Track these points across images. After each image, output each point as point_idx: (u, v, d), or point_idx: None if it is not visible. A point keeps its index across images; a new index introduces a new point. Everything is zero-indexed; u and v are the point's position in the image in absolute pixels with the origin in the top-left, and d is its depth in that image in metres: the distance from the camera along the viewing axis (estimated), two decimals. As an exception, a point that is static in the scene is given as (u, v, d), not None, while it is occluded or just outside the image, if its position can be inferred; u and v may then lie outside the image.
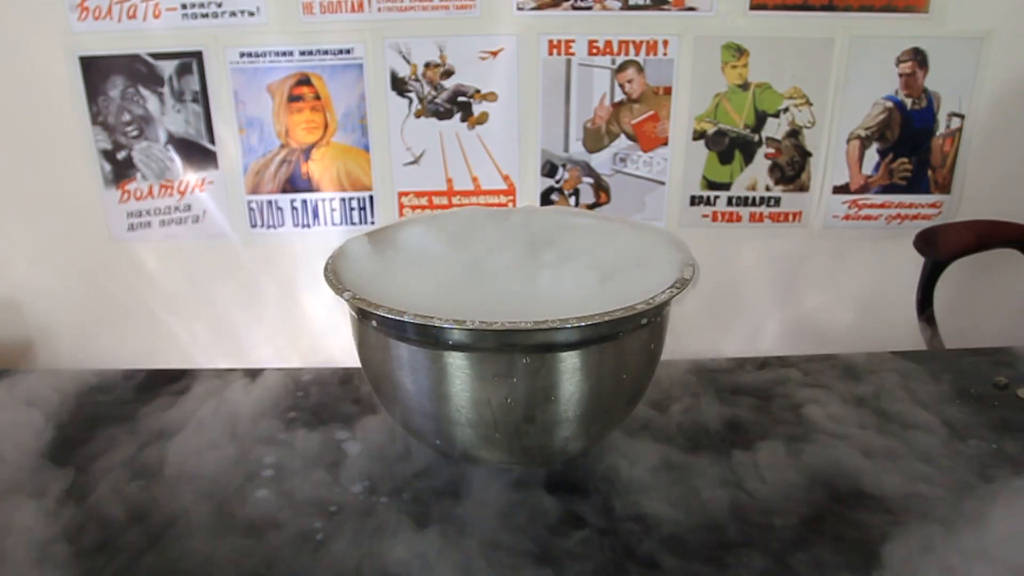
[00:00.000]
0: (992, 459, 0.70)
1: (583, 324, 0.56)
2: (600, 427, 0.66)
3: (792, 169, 1.67)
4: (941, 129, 1.64)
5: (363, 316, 0.63)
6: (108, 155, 1.63)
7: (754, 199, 1.69)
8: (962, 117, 1.62)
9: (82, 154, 1.61)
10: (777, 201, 1.69)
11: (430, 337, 0.59)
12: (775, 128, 1.64)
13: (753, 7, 1.55)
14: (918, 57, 1.58)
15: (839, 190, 1.68)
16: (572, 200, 1.70)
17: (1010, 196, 1.62)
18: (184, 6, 1.53)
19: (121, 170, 1.64)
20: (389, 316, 0.58)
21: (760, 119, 1.64)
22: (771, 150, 1.66)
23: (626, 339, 0.61)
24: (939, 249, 1.44)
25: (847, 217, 1.70)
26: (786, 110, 1.63)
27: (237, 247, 1.71)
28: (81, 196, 1.64)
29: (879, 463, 0.69)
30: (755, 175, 1.68)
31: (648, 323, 0.62)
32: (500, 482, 0.67)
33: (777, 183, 1.68)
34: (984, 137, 1.62)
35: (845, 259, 1.72)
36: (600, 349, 0.60)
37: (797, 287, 1.75)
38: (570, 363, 0.59)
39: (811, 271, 1.74)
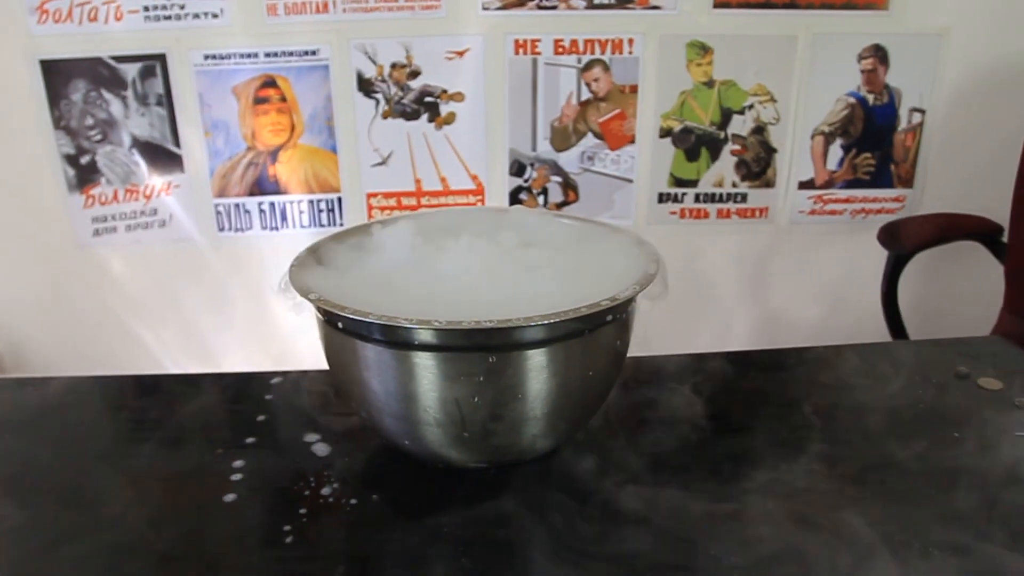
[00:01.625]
0: (953, 448, 0.71)
1: (548, 322, 0.56)
2: (568, 425, 0.67)
3: (758, 165, 1.69)
4: (903, 124, 1.66)
5: (329, 318, 0.63)
6: (71, 160, 1.61)
7: (721, 196, 1.71)
8: (923, 112, 1.65)
9: (45, 159, 1.59)
10: (744, 197, 1.71)
11: (396, 338, 0.59)
12: (740, 125, 1.66)
13: (716, 5, 1.57)
14: (879, 53, 1.61)
15: (804, 185, 1.70)
16: (540, 199, 1.71)
17: (971, 189, 1.65)
18: (146, 8, 1.52)
19: (85, 175, 1.62)
20: (355, 317, 0.58)
21: (726, 116, 1.65)
22: (737, 147, 1.68)
23: (592, 336, 0.61)
24: (902, 242, 1.47)
25: (813, 212, 1.72)
26: (751, 107, 1.65)
27: (205, 251, 1.70)
28: (45, 202, 1.62)
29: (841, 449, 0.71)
30: (722, 172, 1.69)
31: (613, 320, 0.62)
32: (470, 481, 0.67)
33: (743, 179, 1.70)
34: (945, 131, 1.65)
35: (811, 253, 1.74)
36: (566, 347, 0.60)
37: (765, 282, 1.77)
38: (536, 361, 0.59)
39: (778, 266, 1.76)
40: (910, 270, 1.50)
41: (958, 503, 0.64)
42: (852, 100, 1.64)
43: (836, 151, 1.68)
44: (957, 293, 1.73)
